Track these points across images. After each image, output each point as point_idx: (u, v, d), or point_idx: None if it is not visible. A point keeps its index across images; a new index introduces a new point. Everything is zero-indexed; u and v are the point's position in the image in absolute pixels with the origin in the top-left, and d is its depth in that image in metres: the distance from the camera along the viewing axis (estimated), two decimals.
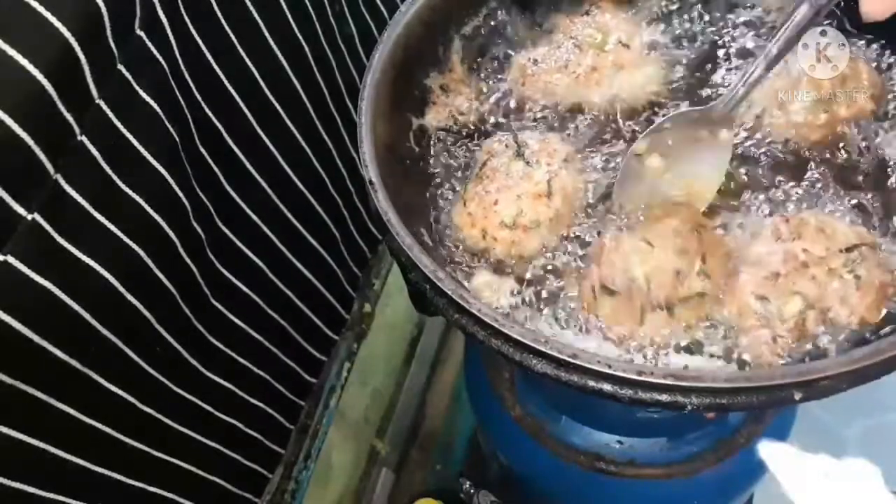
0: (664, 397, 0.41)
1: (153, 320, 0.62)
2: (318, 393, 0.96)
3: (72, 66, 0.48)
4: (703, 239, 0.49)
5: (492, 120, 0.61)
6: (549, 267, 0.52)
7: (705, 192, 0.53)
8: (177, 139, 0.61)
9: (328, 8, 0.78)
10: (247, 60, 0.68)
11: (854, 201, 0.52)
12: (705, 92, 0.59)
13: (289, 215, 0.80)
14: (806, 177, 0.54)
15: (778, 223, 0.50)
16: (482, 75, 0.63)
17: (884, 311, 0.47)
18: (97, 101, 0.52)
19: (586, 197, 0.55)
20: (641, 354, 0.47)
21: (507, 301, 0.51)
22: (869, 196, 0.52)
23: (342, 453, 1.03)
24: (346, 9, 0.82)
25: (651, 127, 0.52)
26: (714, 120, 0.52)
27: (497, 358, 0.50)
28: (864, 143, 0.55)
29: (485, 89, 0.62)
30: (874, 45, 0.58)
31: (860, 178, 0.53)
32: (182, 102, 0.62)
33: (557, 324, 0.50)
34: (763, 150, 0.56)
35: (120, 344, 0.59)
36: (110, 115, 0.53)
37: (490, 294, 0.51)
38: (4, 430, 0.51)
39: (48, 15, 0.46)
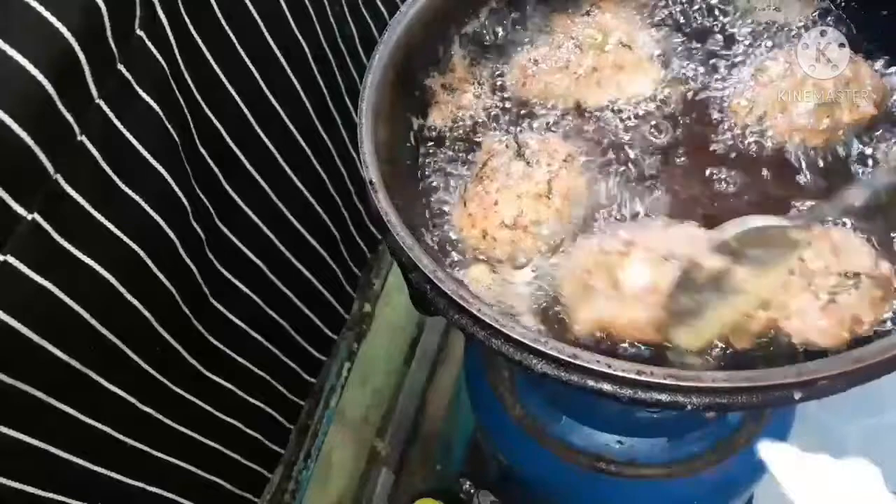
0: (664, 397, 0.41)
1: (153, 320, 0.62)
2: (318, 393, 0.96)
3: (72, 66, 0.48)
4: None
5: (492, 120, 0.61)
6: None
7: (765, 286, 0.48)
8: (176, 139, 0.61)
9: (328, 8, 0.78)
10: (247, 60, 0.68)
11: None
12: (706, 91, 0.59)
13: (288, 215, 0.80)
14: (801, 181, 0.54)
15: (793, 228, 0.49)
16: (483, 75, 0.63)
17: (841, 337, 0.45)
18: (97, 100, 0.52)
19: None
20: None
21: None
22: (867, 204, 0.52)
23: (342, 453, 1.03)
24: (346, 9, 0.82)
25: (718, 234, 0.49)
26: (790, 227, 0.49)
27: (497, 358, 0.51)
28: (862, 149, 0.55)
29: (485, 89, 0.62)
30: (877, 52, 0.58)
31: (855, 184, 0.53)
32: (182, 102, 0.62)
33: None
34: (761, 151, 0.56)
35: (119, 344, 0.59)
36: (110, 115, 0.53)
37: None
38: (4, 430, 0.51)
39: (48, 15, 0.46)
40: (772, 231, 0.49)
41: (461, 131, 0.60)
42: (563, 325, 0.49)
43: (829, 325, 0.45)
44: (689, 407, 0.41)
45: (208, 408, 0.73)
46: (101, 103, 0.52)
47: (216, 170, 0.69)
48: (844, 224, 0.51)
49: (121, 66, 0.54)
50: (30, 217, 0.48)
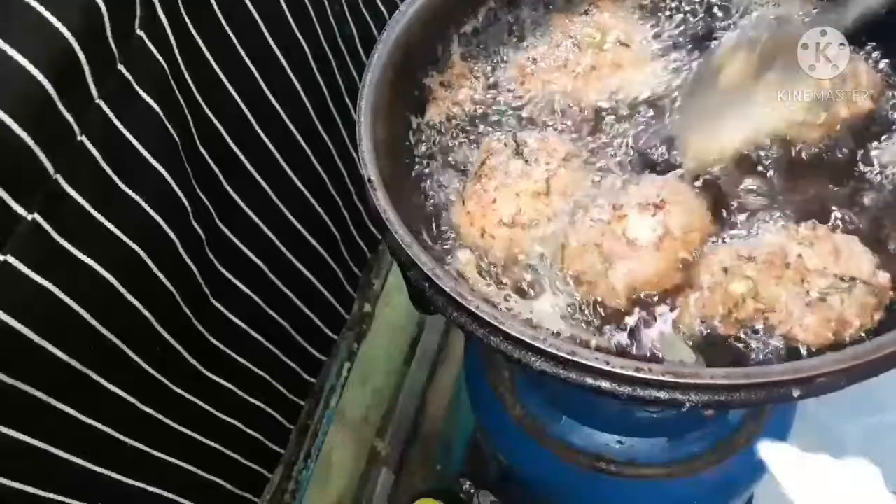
0: (663, 394, 0.41)
1: (153, 320, 0.62)
2: (319, 393, 0.96)
3: (72, 66, 0.49)
4: None
5: (491, 119, 0.61)
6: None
7: (781, 109, 0.47)
8: (176, 139, 0.61)
9: (328, 8, 0.78)
10: (247, 60, 0.68)
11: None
12: None
13: (288, 215, 0.80)
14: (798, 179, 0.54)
15: (801, 227, 0.50)
16: (481, 74, 0.63)
17: (824, 336, 0.45)
18: (97, 100, 0.52)
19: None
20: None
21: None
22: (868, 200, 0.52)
23: (342, 453, 1.03)
24: (346, 9, 0.82)
25: (738, 31, 0.47)
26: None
27: (497, 357, 0.51)
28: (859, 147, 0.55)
29: (484, 88, 0.62)
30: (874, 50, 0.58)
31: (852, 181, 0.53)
32: (182, 102, 0.62)
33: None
34: (762, 150, 0.56)
35: (120, 344, 0.59)
36: (110, 114, 0.53)
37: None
38: (4, 430, 0.51)
39: (48, 15, 0.46)
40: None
41: (460, 130, 0.60)
42: (597, 306, 0.50)
43: (814, 322, 0.45)
44: (687, 404, 0.41)
45: (208, 408, 0.73)
46: (102, 103, 0.52)
47: (216, 170, 0.69)
48: (847, 225, 0.51)
49: (121, 66, 0.54)
50: (30, 217, 0.48)
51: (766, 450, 0.72)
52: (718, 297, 0.47)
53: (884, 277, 0.47)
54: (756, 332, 0.47)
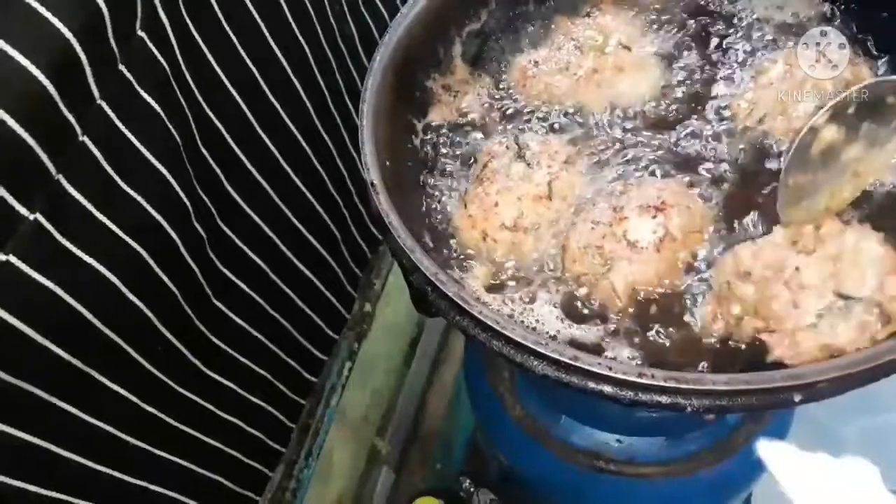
0: (664, 399, 0.41)
1: (155, 319, 0.62)
2: (319, 392, 0.96)
3: (73, 67, 0.49)
4: None
5: (493, 121, 0.61)
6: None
7: (875, 167, 0.49)
8: (178, 139, 0.61)
9: (328, 8, 0.78)
10: (247, 61, 0.68)
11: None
12: (706, 93, 0.59)
13: (289, 215, 0.80)
14: None
15: (804, 230, 0.49)
16: (483, 77, 0.63)
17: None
18: (98, 101, 0.52)
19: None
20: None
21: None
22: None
23: (343, 452, 1.03)
24: (346, 9, 0.82)
25: (835, 99, 0.47)
26: None
27: (497, 359, 0.51)
28: None
29: (486, 91, 0.62)
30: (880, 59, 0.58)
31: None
32: (183, 103, 0.62)
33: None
34: (761, 152, 0.56)
35: (121, 343, 0.59)
36: (112, 115, 0.53)
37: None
38: (6, 428, 0.51)
39: (49, 15, 0.46)
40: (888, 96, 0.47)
41: (462, 132, 0.60)
42: (599, 308, 0.50)
43: (809, 348, 0.44)
44: (689, 409, 0.41)
45: (210, 406, 0.73)
46: (103, 104, 0.52)
47: (217, 170, 0.69)
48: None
49: (122, 67, 0.54)
50: (32, 217, 0.48)
51: (765, 449, 0.72)
52: (719, 317, 0.47)
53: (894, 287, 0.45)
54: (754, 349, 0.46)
